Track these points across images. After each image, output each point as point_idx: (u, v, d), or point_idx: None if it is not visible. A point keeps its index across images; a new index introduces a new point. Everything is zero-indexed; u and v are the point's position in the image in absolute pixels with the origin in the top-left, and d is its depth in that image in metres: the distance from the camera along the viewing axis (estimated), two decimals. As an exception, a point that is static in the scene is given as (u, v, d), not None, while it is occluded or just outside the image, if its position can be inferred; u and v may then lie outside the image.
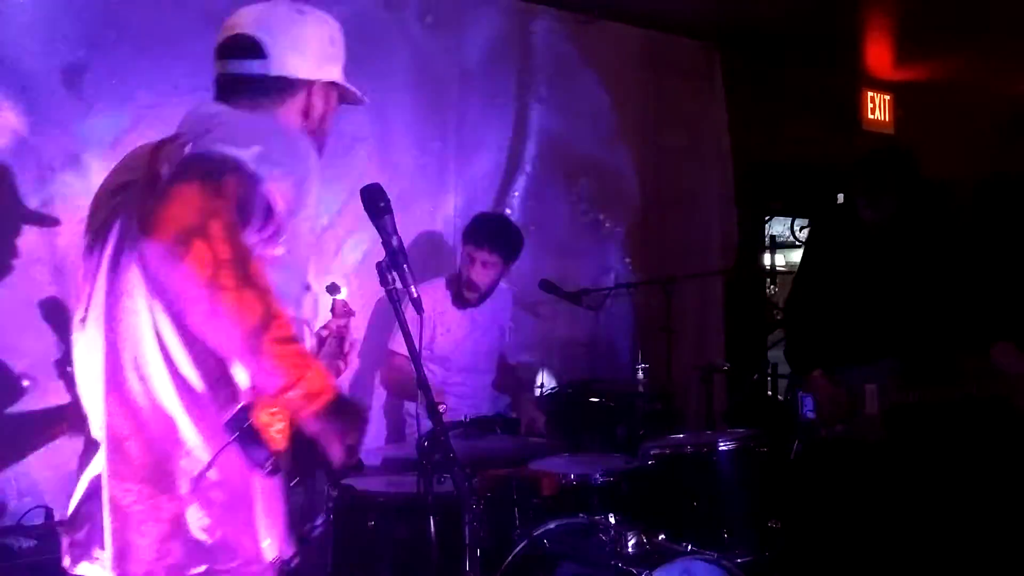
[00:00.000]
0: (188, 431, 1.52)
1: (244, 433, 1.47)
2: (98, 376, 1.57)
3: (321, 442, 1.53)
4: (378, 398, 3.85)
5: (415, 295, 1.92)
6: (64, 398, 3.13)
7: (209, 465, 1.50)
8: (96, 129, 3.22)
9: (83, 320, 1.62)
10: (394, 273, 1.88)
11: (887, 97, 6.15)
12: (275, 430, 1.49)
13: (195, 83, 3.36)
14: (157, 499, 1.51)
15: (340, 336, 1.90)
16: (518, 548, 2.52)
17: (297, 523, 1.58)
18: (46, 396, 3.10)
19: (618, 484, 2.91)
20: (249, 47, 1.69)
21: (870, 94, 6.10)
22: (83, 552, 1.59)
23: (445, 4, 4.14)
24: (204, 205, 1.37)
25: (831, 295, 3.25)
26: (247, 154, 1.45)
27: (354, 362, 3.47)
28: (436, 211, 4.14)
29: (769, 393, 5.72)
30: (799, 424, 3.26)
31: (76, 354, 1.66)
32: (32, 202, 3.12)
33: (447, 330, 3.62)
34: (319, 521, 1.66)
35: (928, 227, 3.18)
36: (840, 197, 6.31)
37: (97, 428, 1.60)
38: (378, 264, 1.89)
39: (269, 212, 1.49)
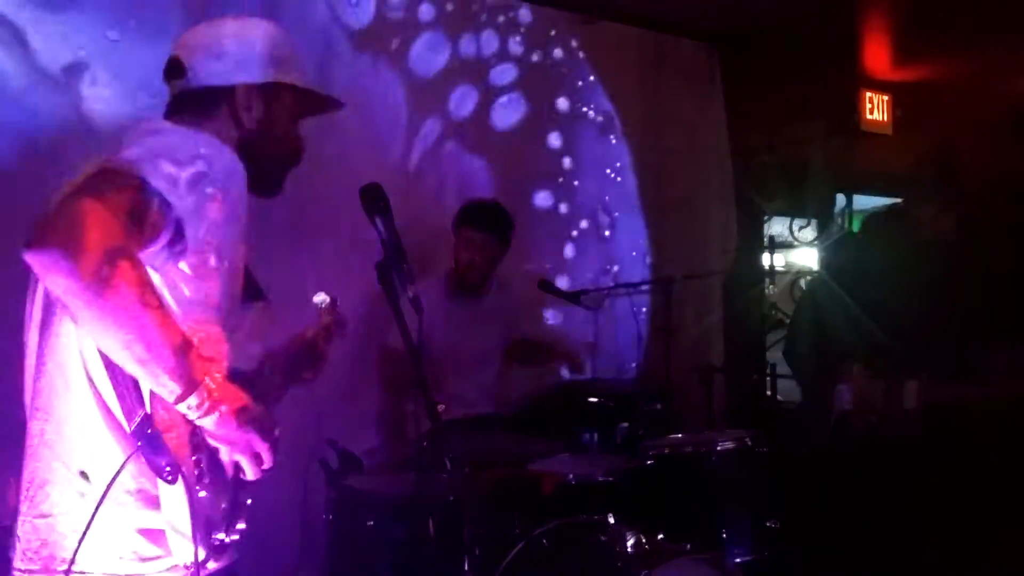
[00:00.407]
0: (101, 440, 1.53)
1: (146, 440, 1.46)
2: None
3: (230, 451, 1.56)
4: (377, 399, 3.84)
5: (414, 293, 1.92)
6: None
7: (115, 476, 1.48)
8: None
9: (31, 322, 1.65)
10: (393, 273, 1.88)
11: (885, 97, 6.16)
12: (172, 437, 1.48)
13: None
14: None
15: (313, 342, 1.93)
16: (517, 548, 2.52)
17: (208, 530, 1.56)
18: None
19: (617, 484, 2.91)
20: (173, 67, 1.72)
21: (868, 94, 6.10)
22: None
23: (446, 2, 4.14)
24: (96, 217, 1.36)
25: (878, 293, 3.26)
26: (150, 169, 1.46)
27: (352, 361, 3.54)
28: (432, 208, 4.13)
29: (768, 393, 5.72)
30: (833, 416, 3.29)
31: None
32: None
33: (446, 327, 3.61)
34: (238, 528, 1.65)
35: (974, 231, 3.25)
36: (841, 199, 6.35)
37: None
38: (377, 264, 1.90)
39: (179, 227, 1.48)
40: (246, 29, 1.76)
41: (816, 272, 5.29)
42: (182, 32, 1.79)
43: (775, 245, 6.13)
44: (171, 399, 1.45)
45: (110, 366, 1.48)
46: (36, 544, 1.54)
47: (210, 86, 1.70)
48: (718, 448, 3.06)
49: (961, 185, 3.27)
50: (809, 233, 6.22)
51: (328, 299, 1.97)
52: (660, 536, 2.55)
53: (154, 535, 1.55)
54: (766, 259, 6.09)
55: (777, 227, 6.31)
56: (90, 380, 1.52)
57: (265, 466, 1.60)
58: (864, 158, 6.21)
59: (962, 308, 3.14)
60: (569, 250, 4.64)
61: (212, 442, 1.55)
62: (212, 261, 1.55)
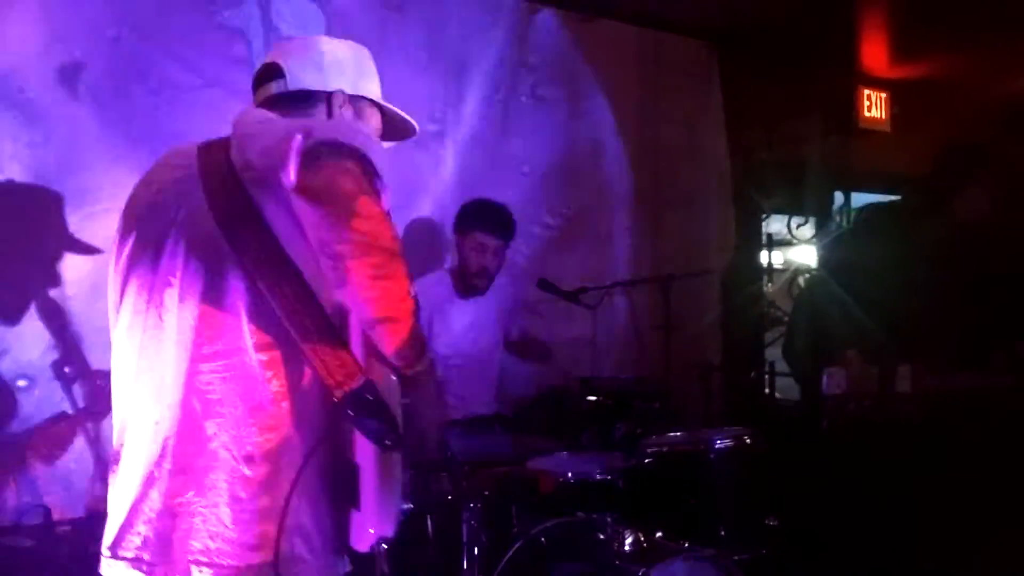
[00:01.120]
0: (279, 418, 1.56)
1: (367, 407, 1.50)
2: (168, 377, 1.58)
3: (425, 421, 1.66)
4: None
5: (413, 294, 1.92)
6: (61, 398, 3.15)
7: (313, 448, 1.54)
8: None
9: (137, 315, 1.63)
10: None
11: (883, 95, 6.15)
12: (395, 404, 1.53)
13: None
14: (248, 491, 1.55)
15: None
16: (516, 547, 2.52)
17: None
18: (43, 397, 3.12)
19: (616, 482, 2.91)
20: (272, 71, 1.81)
21: (866, 92, 6.09)
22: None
23: (445, 2, 4.15)
24: (364, 182, 1.48)
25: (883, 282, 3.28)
26: (360, 142, 1.53)
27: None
28: (434, 206, 4.14)
29: (767, 391, 5.73)
30: (823, 400, 3.32)
31: (123, 360, 1.66)
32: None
33: (447, 325, 3.62)
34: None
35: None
36: (839, 196, 6.35)
37: (143, 425, 1.60)
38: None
39: (383, 190, 1.56)
40: (340, 46, 1.87)
41: (814, 269, 5.30)
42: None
43: (773, 243, 6.13)
44: (407, 362, 1.54)
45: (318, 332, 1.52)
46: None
47: (308, 89, 1.80)
48: (716, 446, 3.05)
49: (993, 165, 3.28)
50: (807, 231, 6.22)
51: None
52: (659, 534, 2.56)
53: None
54: (764, 257, 6.10)
55: (776, 225, 6.32)
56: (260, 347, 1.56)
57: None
58: (862, 156, 6.21)
59: (971, 302, 3.15)
60: (568, 248, 4.65)
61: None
62: None
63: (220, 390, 1.55)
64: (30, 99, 3.14)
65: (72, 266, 3.14)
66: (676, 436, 3.31)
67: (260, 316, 1.55)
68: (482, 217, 3.61)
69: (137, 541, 1.57)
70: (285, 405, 1.56)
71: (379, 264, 1.47)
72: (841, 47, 5.53)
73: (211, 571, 1.53)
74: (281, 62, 1.81)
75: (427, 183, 4.11)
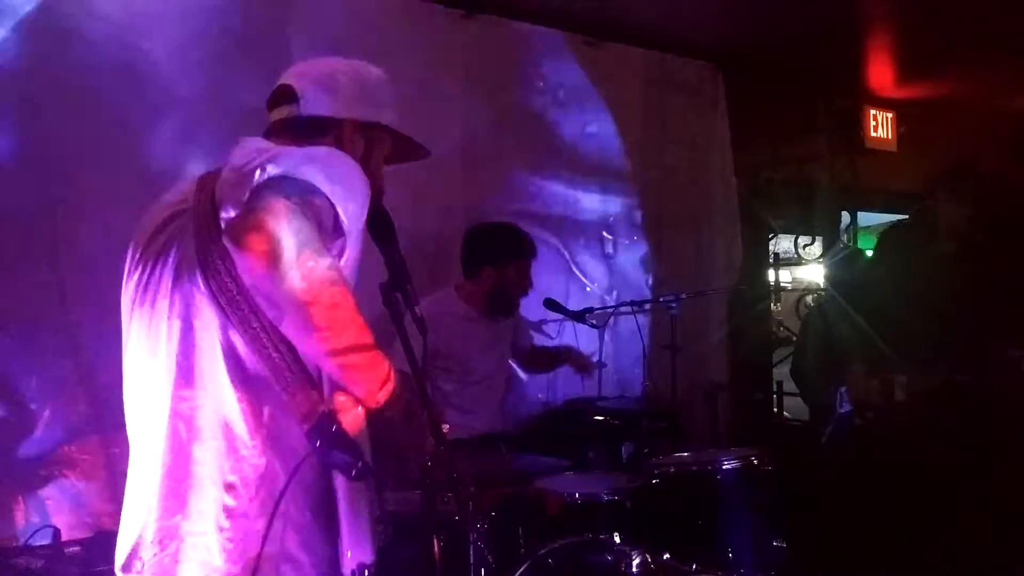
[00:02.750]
0: (256, 448, 1.57)
1: (330, 439, 1.51)
2: (162, 396, 1.61)
3: (398, 445, 1.65)
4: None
5: (419, 314, 1.93)
6: (70, 419, 3.16)
7: (291, 477, 1.54)
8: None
9: (140, 343, 1.67)
10: (397, 293, 1.89)
11: (889, 115, 6.18)
12: (360, 434, 1.55)
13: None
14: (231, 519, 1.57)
15: None
16: (522, 568, 2.51)
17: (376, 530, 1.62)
18: (53, 418, 3.13)
19: (623, 503, 2.91)
20: (285, 94, 1.81)
21: (872, 112, 6.12)
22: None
23: (452, 21, 4.18)
24: (297, 221, 1.44)
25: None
26: (320, 179, 1.52)
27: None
28: (441, 222, 4.16)
29: (775, 411, 5.71)
30: (835, 417, 3.36)
31: (130, 379, 1.71)
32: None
33: (453, 343, 3.62)
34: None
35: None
36: (846, 216, 6.36)
37: (146, 449, 1.64)
38: (381, 284, 1.91)
39: (340, 233, 1.57)
40: (358, 69, 1.88)
41: (823, 289, 5.30)
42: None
43: (781, 262, 6.14)
44: (367, 393, 1.54)
45: (276, 368, 1.54)
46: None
47: (320, 115, 1.79)
48: (723, 466, 3.05)
49: (977, 179, 3.35)
50: (815, 250, 6.22)
51: None
52: (666, 555, 2.54)
53: None
54: (771, 276, 6.10)
55: (783, 244, 6.32)
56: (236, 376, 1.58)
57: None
58: (869, 175, 6.23)
59: (967, 313, 3.22)
60: (574, 268, 4.66)
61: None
62: (351, 279, 1.62)
63: (201, 418, 1.59)
64: (38, 110, 3.16)
65: (84, 288, 3.16)
66: (683, 456, 3.31)
67: (234, 351, 1.58)
68: (521, 245, 3.69)
69: (139, 566, 1.61)
70: (261, 435, 1.59)
71: (316, 293, 1.45)
72: (847, 68, 5.56)
73: None
74: (295, 84, 1.82)
75: (434, 199, 4.12)
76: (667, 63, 5.02)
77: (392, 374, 1.59)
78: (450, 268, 4.05)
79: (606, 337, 4.40)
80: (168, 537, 1.58)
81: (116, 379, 1.75)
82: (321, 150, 1.65)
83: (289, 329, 1.50)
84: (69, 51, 3.19)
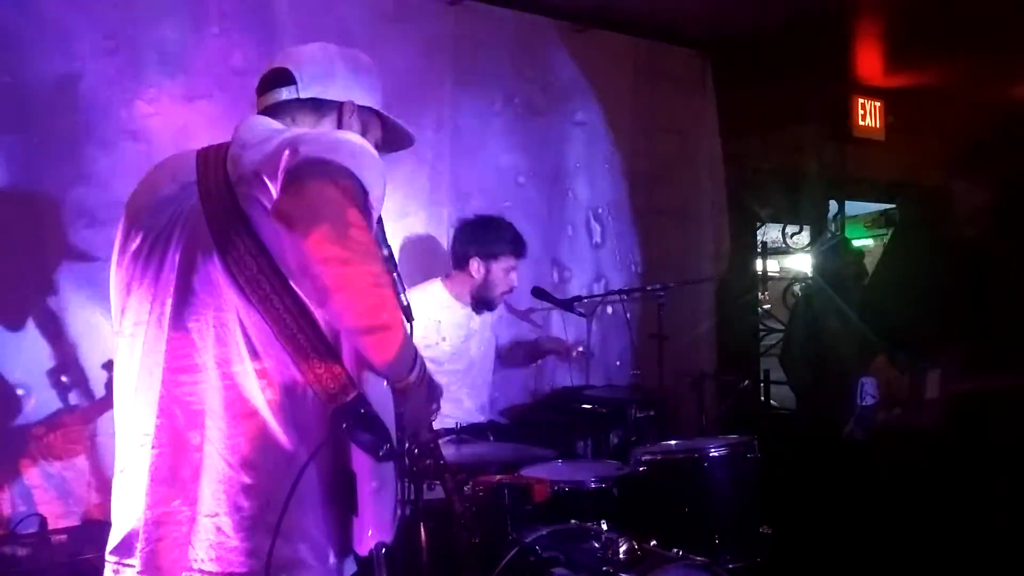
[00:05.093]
0: (276, 428, 1.56)
1: (359, 420, 1.51)
2: (155, 379, 1.60)
3: (417, 423, 1.68)
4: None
5: (405, 303, 1.93)
6: (57, 407, 3.15)
7: (311, 456, 1.54)
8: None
9: (139, 324, 1.65)
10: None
11: (878, 104, 6.19)
12: (390, 415, 1.56)
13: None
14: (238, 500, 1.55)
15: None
16: (510, 555, 2.53)
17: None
18: (39, 405, 3.12)
19: (610, 490, 2.92)
20: (282, 77, 1.81)
21: (861, 101, 6.13)
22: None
23: (439, 8, 4.16)
24: (348, 205, 1.45)
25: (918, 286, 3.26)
26: (354, 164, 1.52)
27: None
28: (429, 215, 4.15)
29: (762, 399, 5.74)
30: (856, 410, 3.32)
31: (123, 360, 1.68)
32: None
33: (443, 334, 3.62)
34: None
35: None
36: (834, 205, 6.38)
37: (139, 433, 1.62)
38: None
39: (368, 216, 1.56)
40: (351, 54, 1.88)
41: (811, 277, 5.31)
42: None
43: (768, 251, 6.15)
44: (399, 373, 1.56)
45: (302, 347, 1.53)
46: None
47: (319, 98, 1.80)
48: (710, 454, 3.07)
49: (996, 162, 3.27)
50: (802, 239, 6.25)
51: None
52: (653, 542, 2.56)
53: None
54: (759, 265, 6.12)
55: (771, 233, 6.34)
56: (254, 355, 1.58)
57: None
58: (857, 164, 6.25)
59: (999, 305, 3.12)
60: (562, 257, 4.66)
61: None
62: None
63: (208, 398, 1.57)
64: (28, 107, 3.14)
65: (69, 274, 3.14)
66: (670, 444, 3.33)
67: (254, 328, 1.56)
68: (513, 243, 3.66)
69: (135, 552, 1.59)
70: (280, 414, 1.57)
71: (378, 273, 1.47)
72: (835, 56, 5.56)
73: None
74: (292, 68, 1.81)
75: (423, 192, 4.11)
76: (655, 51, 5.01)
77: (419, 354, 1.62)
78: (437, 256, 4.04)
79: (594, 326, 4.41)
80: (161, 523, 1.56)
81: (104, 365, 1.73)
82: (346, 134, 1.65)
83: (332, 308, 1.48)
84: (48, 26, 3.17)
